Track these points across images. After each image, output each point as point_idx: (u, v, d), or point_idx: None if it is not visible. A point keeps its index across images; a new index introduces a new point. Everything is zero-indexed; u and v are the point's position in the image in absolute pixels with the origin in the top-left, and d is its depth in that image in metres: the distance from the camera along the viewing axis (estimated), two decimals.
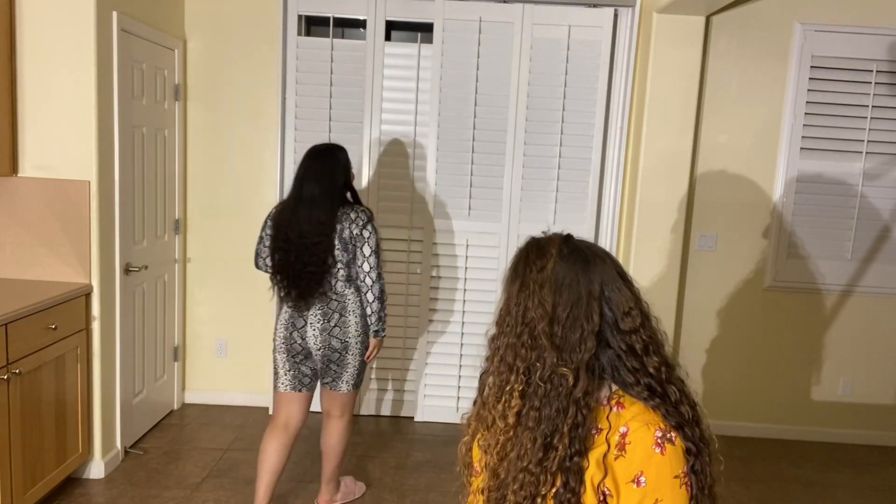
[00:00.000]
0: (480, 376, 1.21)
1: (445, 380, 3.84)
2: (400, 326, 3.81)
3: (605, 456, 1.04)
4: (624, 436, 1.04)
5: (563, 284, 1.10)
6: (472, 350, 3.79)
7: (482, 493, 1.18)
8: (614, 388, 1.10)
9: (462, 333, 3.79)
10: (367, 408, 3.90)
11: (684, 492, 1.04)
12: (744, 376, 3.83)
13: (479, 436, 1.23)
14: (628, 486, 1.03)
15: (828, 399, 3.86)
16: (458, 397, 3.85)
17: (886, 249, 3.73)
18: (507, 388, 1.10)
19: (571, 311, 1.09)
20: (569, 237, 1.17)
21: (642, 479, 1.02)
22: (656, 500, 1.02)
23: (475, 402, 1.25)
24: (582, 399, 1.06)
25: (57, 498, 2.84)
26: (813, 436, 3.86)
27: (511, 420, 1.09)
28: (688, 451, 1.05)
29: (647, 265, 3.49)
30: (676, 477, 1.03)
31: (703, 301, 3.77)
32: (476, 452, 1.23)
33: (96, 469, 3.03)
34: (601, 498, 1.04)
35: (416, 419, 3.87)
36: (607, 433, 1.05)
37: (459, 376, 3.83)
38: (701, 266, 3.75)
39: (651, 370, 1.09)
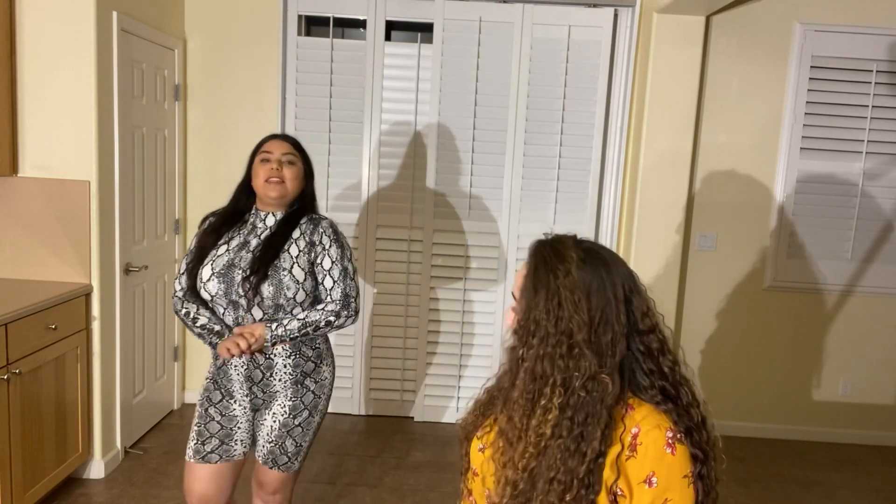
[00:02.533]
0: (488, 390, 1.17)
1: (445, 380, 3.84)
2: (400, 326, 3.81)
3: (618, 456, 1.04)
4: (635, 437, 1.04)
5: (592, 289, 1.08)
6: (472, 350, 3.80)
7: (486, 499, 1.17)
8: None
9: (462, 333, 3.79)
10: (367, 408, 3.90)
11: (692, 491, 1.04)
12: (744, 376, 3.83)
13: (475, 441, 1.22)
14: (640, 486, 1.03)
15: (828, 399, 3.86)
16: (458, 397, 3.85)
17: (886, 249, 3.73)
18: (543, 401, 1.07)
19: (602, 315, 1.07)
20: (577, 238, 1.16)
21: (654, 479, 1.03)
22: (666, 499, 1.02)
23: (473, 413, 1.24)
24: (612, 403, 1.05)
25: (57, 498, 2.84)
26: (813, 436, 3.86)
27: (547, 432, 1.06)
28: (694, 458, 1.05)
29: (647, 265, 3.49)
30: (685, 476, 1.04)
31: (703, 301, 3.77)
32: (475, 457, 1.22)
33: (96, 469, 3.03)
34: (612, 498, 1.04)
35: (416, 419, 3.87)
36: (621, 433, 1.06)
37: (459, 376, 3.83)
38: (701, 266, 3.75)
39: (665, 370, 1.09)
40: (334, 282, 2.01)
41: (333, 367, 2.14)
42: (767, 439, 3.84)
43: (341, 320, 2.01)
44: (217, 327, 2.00)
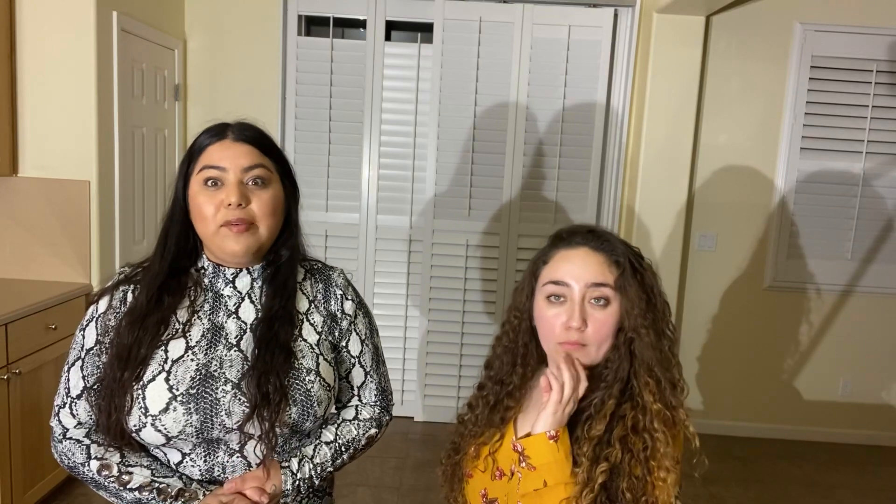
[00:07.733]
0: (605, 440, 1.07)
1: (445, 380, 3.84)
2: (400, 326, 3.81)
3: None
4: None
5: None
6: (472, 350, 3.79)
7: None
8: None
9: (462, 333, 3.79)
10: None
11: None
12: (744, 376, 3.83)
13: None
14: None
15: (827, 399, 3.86)
16: (458, 397, 3.85)
17: (886, 249, 3.73)
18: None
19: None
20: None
21: None
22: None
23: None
24: None
25: (57, 498, 2.84)
26: (813, 436, 3.86)
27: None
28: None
29: None
30: None
31: (703, 301, 3.77)
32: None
33: None
34: None
35: (415, 419, 3.87)
36: None
37: (459, 376, 3.83)
38: (701, 266, 3.74)
39: None
40: (366, 373, 1.28)
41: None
42: (767, 439, 3.84)
43: (381, 432, 1.29)
44: (177, 484, 1.09)
